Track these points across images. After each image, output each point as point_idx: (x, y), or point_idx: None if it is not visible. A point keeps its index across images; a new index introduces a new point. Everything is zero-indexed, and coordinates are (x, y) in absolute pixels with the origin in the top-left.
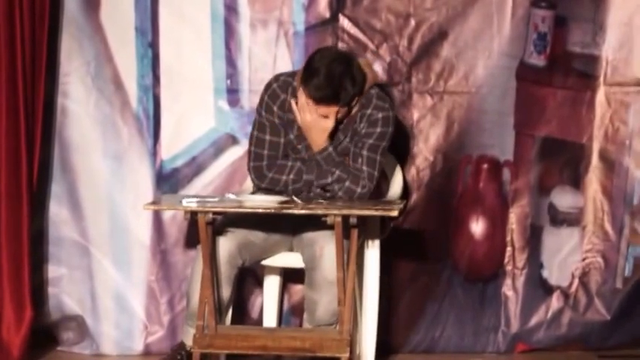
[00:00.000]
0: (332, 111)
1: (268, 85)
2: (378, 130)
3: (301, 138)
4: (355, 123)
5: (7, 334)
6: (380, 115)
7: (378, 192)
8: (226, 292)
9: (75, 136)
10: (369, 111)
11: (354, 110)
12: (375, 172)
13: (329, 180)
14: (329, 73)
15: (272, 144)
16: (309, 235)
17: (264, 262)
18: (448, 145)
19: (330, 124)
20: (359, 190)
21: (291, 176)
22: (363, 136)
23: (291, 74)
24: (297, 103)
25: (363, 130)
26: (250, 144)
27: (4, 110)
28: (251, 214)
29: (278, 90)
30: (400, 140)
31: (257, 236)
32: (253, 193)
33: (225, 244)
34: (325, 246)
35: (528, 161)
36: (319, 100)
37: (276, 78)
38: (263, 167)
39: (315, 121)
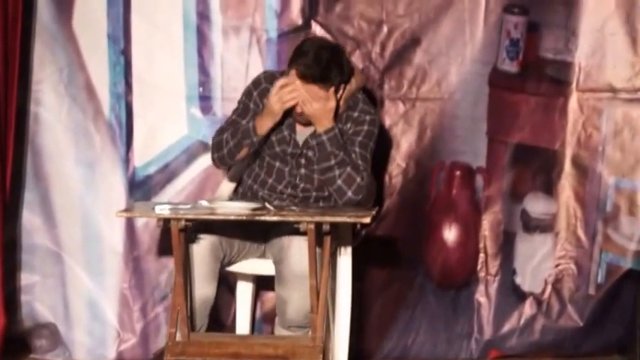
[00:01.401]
0: (325, 93)
1: (257, 77)
2: (366, 127)
3: (276, 130)
4: (341, 123)
5: None
6: (367, 117)
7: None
8: (211, 289)
9: (48, 143)
10: (355, 113)
11: (341, 110)
12: (368, 169)
13: (332, 162)
14: (317, 56)
15: (235, 123)
16: (278, 236)
17: (236, 269)
18: (421, 152)
19: (332, 104)
20: (358, 179)
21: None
22: (352, 134)
23: (278, 71)
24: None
25: (351, 129)
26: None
27: None
28: (225, 220)
29: (263, 80)
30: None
31: (233, 237)
32: (231, 199)
33: (207, 238)
34: (293, 238)
35: (501, 168)
36: (308, 77)
37: (265, 71)
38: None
39: (321, 106)
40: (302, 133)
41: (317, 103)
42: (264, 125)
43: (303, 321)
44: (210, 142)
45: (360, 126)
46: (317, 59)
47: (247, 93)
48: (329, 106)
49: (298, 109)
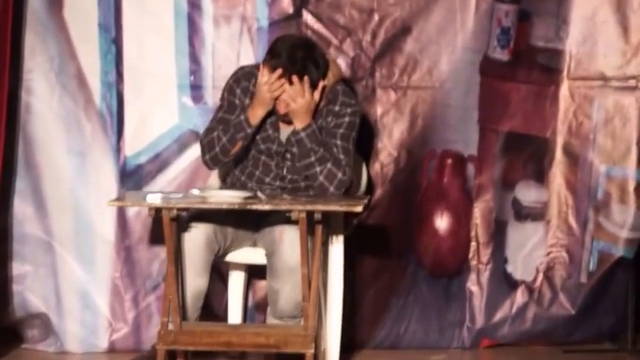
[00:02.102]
0: (297, 87)
1: (234, 73)
2: (347, 119)
3: (260, 128)
4: (321, 118)
5: None
6: (348, 109)
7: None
8: (204, 281)
9: (39, 132)
10: (336, 107)
11: (321, 105)
12: (351, 161)
13: (312, 158)
14: (292, 50)
15: (224, 120)
16: (270, 226)
17: (228, 259)
18: (412, 141)
19: (315, 98)
20: (340, 174)
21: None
22: (333, 127)
23: (256, 66)
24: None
25: (332, 122)
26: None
27: None
28: (217, 209)
29: (242, 78)
30: (364, 136)
31: (227, 227)
32: (221, 188)
33: (202, 229)
34: (284, 231)
35: (492, 156)
36: (285, 68)
37: (241, 67)
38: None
39: (305, 102)
40: (285, 131)
41: (301, 99)
42: (256, 114)
43: (295, 311)
44: (200, 132)
45: (342, 118)
46: (291, 59)
47: (230, 89)
48: (310, 102)
49: (282, 110)
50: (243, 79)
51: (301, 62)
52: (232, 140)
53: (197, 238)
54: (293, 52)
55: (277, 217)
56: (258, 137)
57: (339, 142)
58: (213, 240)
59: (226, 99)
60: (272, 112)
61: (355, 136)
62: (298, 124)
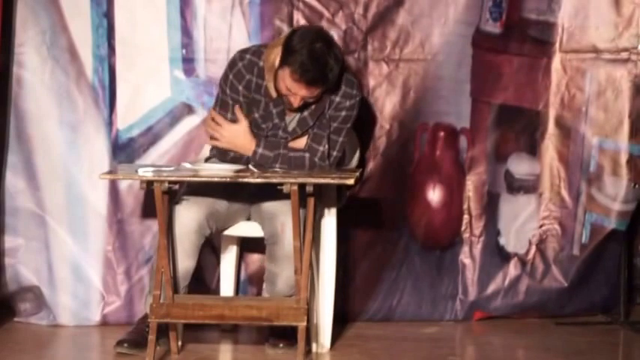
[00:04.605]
0: (318, 92)
1: (233, 63)
2: (343, 113)
3: (266, 117)
4: (325, 109)
5: None
6: (347, 102)
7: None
8: (192, 262)
9: (30, 106)
10: (337, 98)
11: (323, 95)
12: (334, 152)
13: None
14: (313, 54)
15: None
16: (269, 208)
17: (225, 233)
18: (404, 113)
19: (315, 99)
20: (317, 160)
21: (254, 161)
22: (329, 119)
23: (256, 52)
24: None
25: (330, 113)
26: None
27: None
28: (212, 183)
29: (244, 70)
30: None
31: (221, 205)
32: (208, 159)
33: (194, 214)
34: (286, 222)
35: (485, 128)
36: (309, 82)
37: (241, 57)
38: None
39: (231, 134)
40: (291, 119)
41: (225, 132)
42: (247, 149)
43: (291, 291)
44: (192, 105)
45: (339, 112)
46: (312, 58)
47: (232, 88)
48: (233, 131)
49: (296, 104)
50: (245, 73)
51: (323, 57)
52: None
53: (188, 224)
54: (313, 48)
55: (270, 190)
56: (264, 126)
57: (329, 134)
58: (204, 225)
59: (230, 97)
60: (279, 102)
61: (350, 126)
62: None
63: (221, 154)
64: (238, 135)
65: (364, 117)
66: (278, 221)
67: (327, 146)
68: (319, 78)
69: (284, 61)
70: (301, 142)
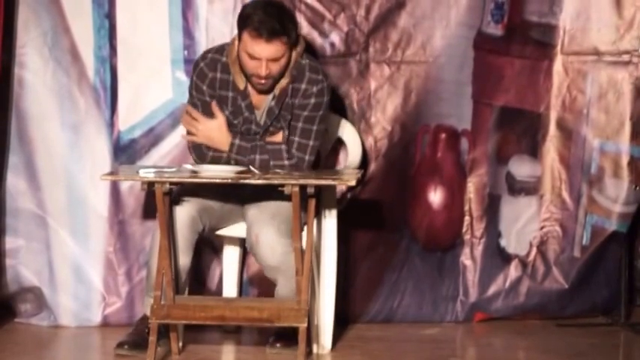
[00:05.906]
0: (281, 49)
1: (196, 65)
2: (313, 101)
3: (237, 112)
4: (288, 96)
5: None
6: (314, 89)
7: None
8: (187, 259)
9: (32, 107)
10: (303, 85)
11: (286, 81)
12: (310, 142)
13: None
14: (267, 10)
15: None
16: (250, 217)
17: (223, 233)
18: (406, 115)
19: (281, 66)
20: (286, 163)
21: (233, 154)
22: (297, 108)
23: (219, 50)
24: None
25: (297, 103)
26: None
27: None
28: (206, 183)
29: (206, 69)
30: (358, 110)
31: (215, 203)
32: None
33: (186, 209)
34: (260, 233)
35: (486, 130)
36: (269, 34)
37: (203, 56)
38: (202, 147)
39: (206, 127)
40: (260, 112)
41: (201, 126)
42: (223, 143)
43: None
44: None
45: (307, 99)
46: (267, 14)
47: (197, 89)
48: (209, 125)
49: (264, 72)
50: (208, 71)
51: (278, 16)
52: (217, 154)
53: (181, 219)
54: (267, 9)
55: (268, 192)
56: (236, 122)
57: (300, 125)
58: (197, 220)
59: (197, 98)
60: (245, 96)
61: (324, 113)
62: (225, 148)
63: (200, 158)
64: (214, 129)
65: (365, 118)
66: (252, 232)
67: (303, 137)
68: (278, 28)
69: (241, 28)
70: (277, 138)
